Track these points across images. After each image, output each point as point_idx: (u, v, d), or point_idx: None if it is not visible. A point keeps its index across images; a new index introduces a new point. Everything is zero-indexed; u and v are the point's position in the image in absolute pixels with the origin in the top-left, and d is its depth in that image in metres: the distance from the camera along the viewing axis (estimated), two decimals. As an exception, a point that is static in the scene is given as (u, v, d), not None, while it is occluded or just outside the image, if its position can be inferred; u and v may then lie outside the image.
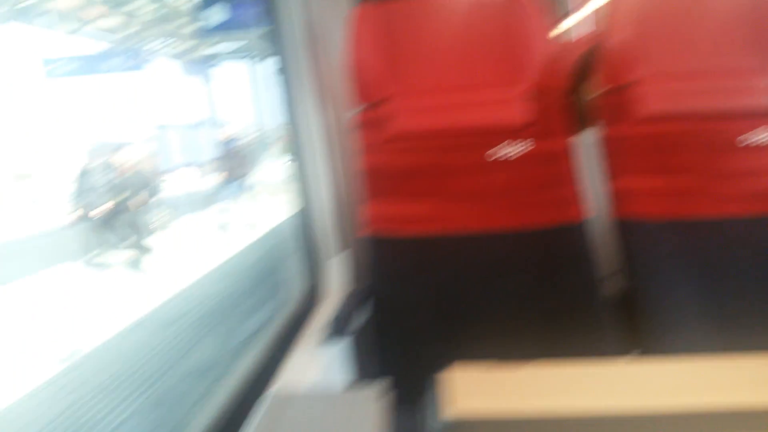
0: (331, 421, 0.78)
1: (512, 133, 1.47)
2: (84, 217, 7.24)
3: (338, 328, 1.46)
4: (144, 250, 7.48)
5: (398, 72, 1.53)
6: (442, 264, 1.52)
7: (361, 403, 0.79)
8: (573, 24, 2.08)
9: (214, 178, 9.64)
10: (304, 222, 1.79)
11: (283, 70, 1.75)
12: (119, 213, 7.24)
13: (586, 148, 1.58)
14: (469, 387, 0.76)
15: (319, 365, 1.45)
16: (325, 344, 1.48)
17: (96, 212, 7.14)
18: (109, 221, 7.22)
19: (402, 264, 1.54)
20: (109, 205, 7.16)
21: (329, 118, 1.82)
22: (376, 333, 1.53)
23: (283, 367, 1.38)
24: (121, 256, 7.36)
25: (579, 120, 1.60)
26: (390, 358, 1.51)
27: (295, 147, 1.78)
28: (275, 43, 1.75)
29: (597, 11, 1.60)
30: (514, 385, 0.78)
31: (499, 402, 0.72)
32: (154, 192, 7.45)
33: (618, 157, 1.53)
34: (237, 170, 9.35)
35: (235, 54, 14.53)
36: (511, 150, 1.47)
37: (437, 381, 0.77)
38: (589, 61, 1.61)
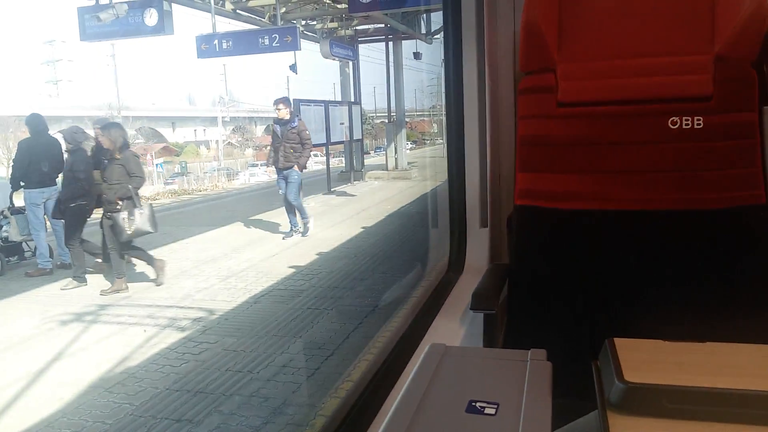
0: (492, 373, 0.81)
1: (693, 104, 1.39)
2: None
3: (481, 301, 1.48)
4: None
5: (570, 38, 1.49)
6: (597, 241, 1.49)
7: (519, 361, 0.81)
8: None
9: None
10: (451, 195, 1.83)
11: (449, 36, 1.79)
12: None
13: None
14: (638, 357, 0.76)
15: (460, 333, 1.49)
16: (467, 314, 1.52)
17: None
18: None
19: (554, 239, 1.52)
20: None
21: (490, 86, 1.82)
22: (520, 307, 1.54)
23: (429, 330, 1.45)
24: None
25: None
26: (532, 333, 1.52)
27: (452, 116, 1.82)
28: (445, 7, 1.79)
29: None
30: (683, 359, 0.78)
31: (670, 373, 0.72)
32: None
33: None
34: (293, 158, 7.59)
35: (375, 34, 14.89)
36: (691, 122, 1.39)
37: (605, 350, 0.78)
38: None
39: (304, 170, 7.82)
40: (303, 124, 7.83)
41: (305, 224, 7.81)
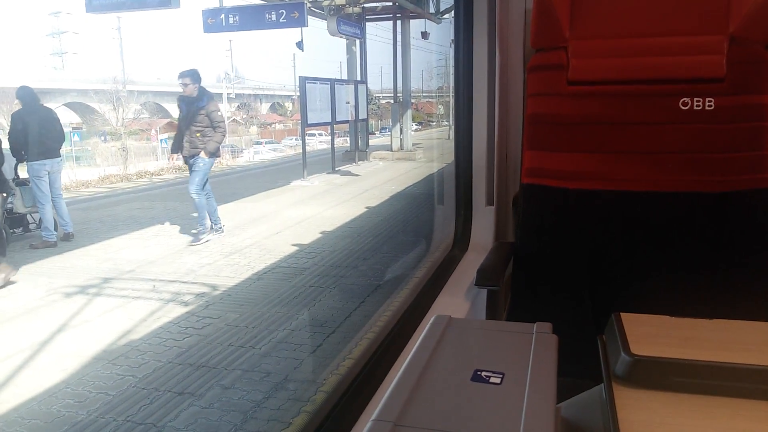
0: (497, 344, 0.81)
1: (705, 85, 1.38)
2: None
3: (486, 277, 1.48)
4: None
5: (582, 15, 1.47)
6: (604, 221, 1.48)
7: (525, 333, 0.81)
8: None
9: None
10: (458, 172, 1.83)
11: (460, 10, 1.77)
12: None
13: None
14: (645, 331, 0.76)
15: (464, 309, 1.50)
16: (471, 290, 1.51)
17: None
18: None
19: (560, 218, 1.52)
20: None
21: (500, 63, 1.81)
22: (524, 285, 1.54)
23: (433, 305, 1.45)
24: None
25: None
26: (535, 310, 1.52)
27: (461, 93, 1.81)
28: None
29: None
30: (690, 334, 0.77)
31: (677, 347, 0.72)
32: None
33: None
34: (199, 143, 6.17)
35: (383, 12, 14.76)
36: (702, 103, 1.38)
37: (611, 324, 0.78)
38: None
39: (215, 158, 6.53)
40: (215, 103, 6.48)
41: (200, 231, 6.36)
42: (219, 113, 6.43)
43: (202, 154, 6.20)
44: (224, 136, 6.53)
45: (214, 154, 6.38)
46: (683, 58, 1.40)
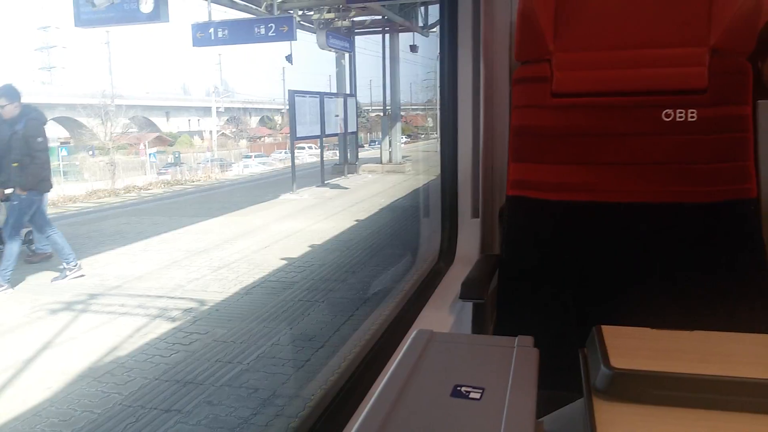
0: (478, 359, 0.81)
1: (688, 97, 1.38)
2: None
3: (470, 290, 1.47)
4: None
5: (565, 28, 1.48)
6: (589, 232, 1.48)
7: (506, 347, 0.81)
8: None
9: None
10: (444, 185, 1.82)
11: (445, 24, 1.78)
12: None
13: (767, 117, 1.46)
14: (626, 344, 0.76)
15: (449, 322, 1.49)
16: (456, 304, 1.51)
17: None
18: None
19: (545, 230, 1.51)
20: None
21: (485, 75, 1.81)
22: (510, 297, 1.53)
23: (417, 319, 1.44)
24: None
25: (763, 88, 1.48)
26: (521, 323, 1.51)
27: (446, 105, 1.81)
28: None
29: None
30: (670, 346, 0.77)
31: (657, 360, 0.72)
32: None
33: None
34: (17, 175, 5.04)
35: (372, 25, 14.85)
36: (685, 114, 1.38)
37: (592, 337, 0.78)
38: None
39: (41, 194, 5.27)
40: (36, 126, 5.17)
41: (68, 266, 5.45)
42: (40, 140, 5.14)
43: (18, 190, 5.07)
44: (45, 169, 5.25)
45: (37, 189, 5.17)
46: (666, 69, 1.41)
